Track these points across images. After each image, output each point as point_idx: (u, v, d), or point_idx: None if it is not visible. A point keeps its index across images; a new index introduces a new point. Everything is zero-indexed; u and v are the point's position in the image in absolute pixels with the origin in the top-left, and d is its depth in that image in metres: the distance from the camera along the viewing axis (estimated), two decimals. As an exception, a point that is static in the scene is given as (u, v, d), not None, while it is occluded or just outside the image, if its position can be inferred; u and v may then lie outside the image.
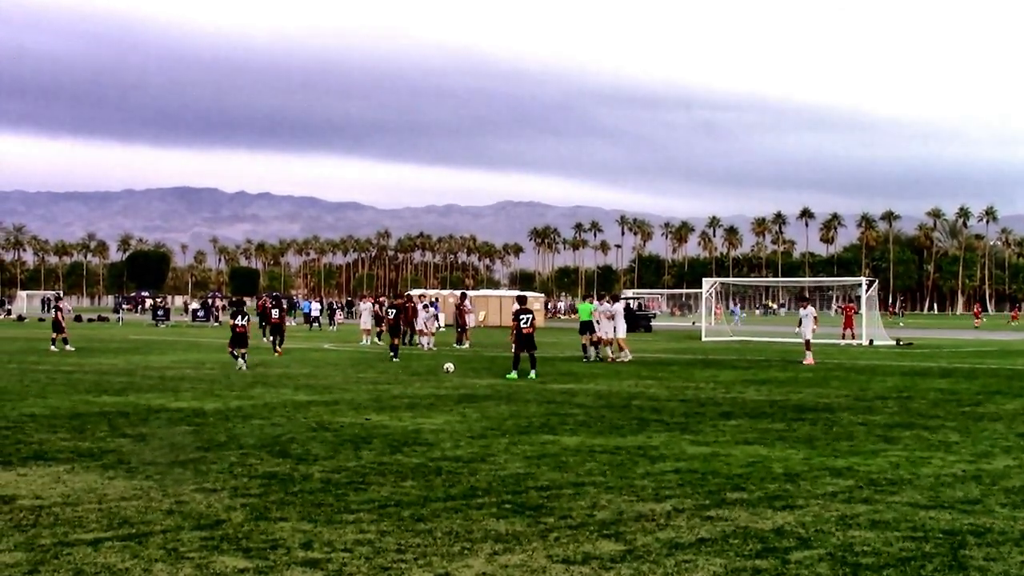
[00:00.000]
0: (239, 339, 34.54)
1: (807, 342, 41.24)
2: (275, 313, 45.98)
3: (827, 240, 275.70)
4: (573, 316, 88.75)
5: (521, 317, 32.53)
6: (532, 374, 31.25)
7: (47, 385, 27.53)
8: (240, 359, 34.10)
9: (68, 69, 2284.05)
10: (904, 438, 17.98)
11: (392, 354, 40.54)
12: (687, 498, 12.50)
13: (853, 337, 60.02)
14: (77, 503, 11.97)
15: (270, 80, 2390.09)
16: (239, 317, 35.18)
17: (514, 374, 31.44)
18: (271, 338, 51.46)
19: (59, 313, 48.38)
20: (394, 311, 44.32)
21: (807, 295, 49.26)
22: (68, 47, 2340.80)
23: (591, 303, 45.47)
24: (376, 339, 51.88)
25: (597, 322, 40.56)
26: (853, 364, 38.86)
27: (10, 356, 41.18)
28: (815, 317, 42.93)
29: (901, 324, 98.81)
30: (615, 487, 13.16)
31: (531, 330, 32.40)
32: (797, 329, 44.13)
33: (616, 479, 13.75)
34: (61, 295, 76.52)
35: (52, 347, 45.72)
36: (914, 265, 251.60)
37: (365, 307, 54.58)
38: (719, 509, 11.87)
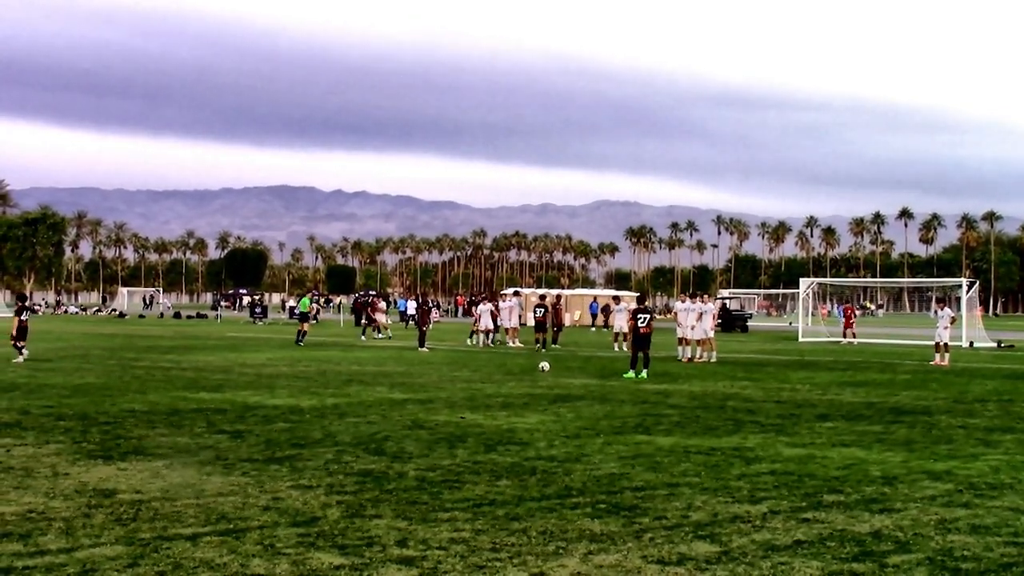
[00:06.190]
0: (22, 333, 36.38)
1: (942, 344, 40.22)
2: (412, 309, 48.61)
3: (926, 241, 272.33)
4: (668, 316, 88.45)
5: (639, 316, 32.48)
6: (643, 374, 31.15)
7: (146, 381, 27.87)
8: (20, 352, 35.83)
9: (175, 71, 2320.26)
10: (1005, 442, 17.73)
11: (539, 346, 46.84)
12: (783, 500, 12.41)
13: (854, 336, 60.45)
14: (175, 498, 12.12)
15: (369, 80, 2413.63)
16: (24, 312, 37.29)
17: (631, 373, 31.37)
18: (379, 334, 53.25)
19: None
20: (542, 309, 49.02)
21: (943, 296, 48.77)
22: (176, 50, 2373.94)
23: (309, 297, 57.34)
24: (478, 340, 52.19)
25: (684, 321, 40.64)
26: (952, 367, 38.31)
27: (110, 352, 41.74)
28: (952, 318, 42.37)
29: None
30: (710, 488, 13.10)
31: (648, 330, 32.31)
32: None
33: (711, 480, 13.68)
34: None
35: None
36: (1016, 267, 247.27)
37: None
38: (815, 511, 11.78)
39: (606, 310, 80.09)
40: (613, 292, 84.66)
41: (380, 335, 57.51)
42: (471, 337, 52.56)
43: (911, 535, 10.70)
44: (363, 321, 60.44)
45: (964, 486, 13.49)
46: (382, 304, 64.91)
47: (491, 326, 50.95)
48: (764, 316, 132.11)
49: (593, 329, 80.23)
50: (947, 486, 13.48)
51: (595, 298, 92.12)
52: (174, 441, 16.62)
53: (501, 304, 53.69)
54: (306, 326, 51.62)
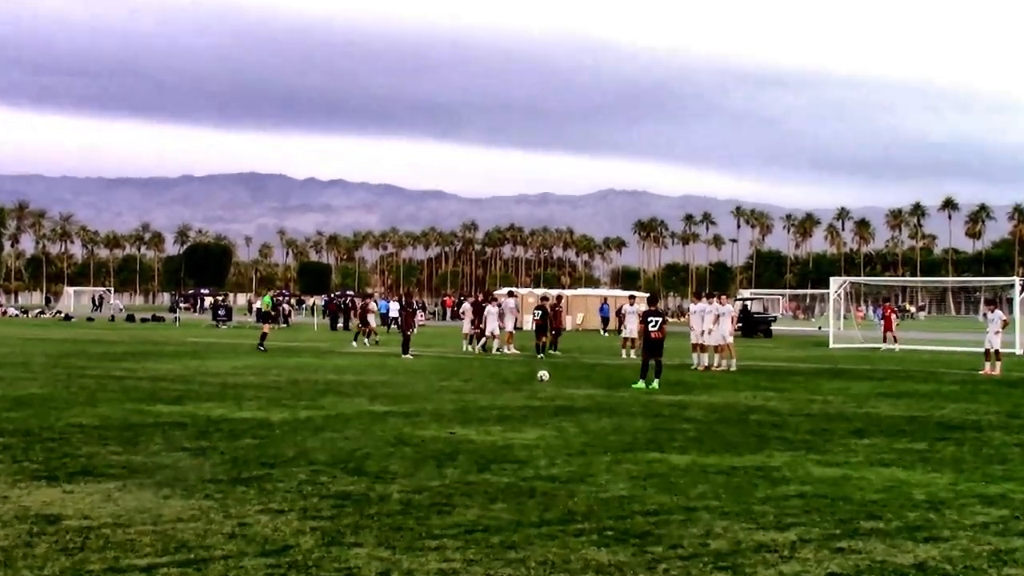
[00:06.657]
0: None
1: (993, 351, 39.83)
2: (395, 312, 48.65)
3: (973, 235, 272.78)
4: (681, 319, 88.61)
5: (649, 320, 32.29)
6: (655, 384, 31.04)
7: (96, 392, 27.81)
8: None
9: (129, 46, 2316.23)
10: (1065, 461, 17.71)
11: (539, 353, 46.97)
12: (814, 527, 12.37)
13: (896, 340, 61.82)
14: (129, 524, 12.06)
15: (347, 56, 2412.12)
16: None
17: (641, 383, 31.22)
18: (373, 339, 53.70)
19: None
20: (540, 311, 49.82)
21: (994, 297, 48.84)
22: (129, 23, 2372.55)
23: (271, 296, 60.55)
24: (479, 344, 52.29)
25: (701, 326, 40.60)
26: (1006, 377, 38.29)
27: (56, 360, 41.66)
28: (1004, 322, 41.99)
29: None
30: (731, 513, 13.06)
31: (660, 335, 32.04)
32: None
33: (732, 504, 13.64)
34: None
35: None
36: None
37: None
38: (851, 540, 11.74)
39: (620, 313, 79.96)
40: (627, 292, 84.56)
41: (369, 341, 57.32)
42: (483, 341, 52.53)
43: (961, 567, 10.66)
44: (359, 325, 60.39)
45: (1021, 512, 13.45)
46: (374, 306, 64.98)
47: (496, 330, 50.96)
48: (790, 319, 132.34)
49: (605, 334, 79.87)
50: (1002, 512, 13.44)
51: (605, 299, 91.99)
52: (128, 460, 16.55)
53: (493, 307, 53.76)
54: (267, 327, 51.76)
